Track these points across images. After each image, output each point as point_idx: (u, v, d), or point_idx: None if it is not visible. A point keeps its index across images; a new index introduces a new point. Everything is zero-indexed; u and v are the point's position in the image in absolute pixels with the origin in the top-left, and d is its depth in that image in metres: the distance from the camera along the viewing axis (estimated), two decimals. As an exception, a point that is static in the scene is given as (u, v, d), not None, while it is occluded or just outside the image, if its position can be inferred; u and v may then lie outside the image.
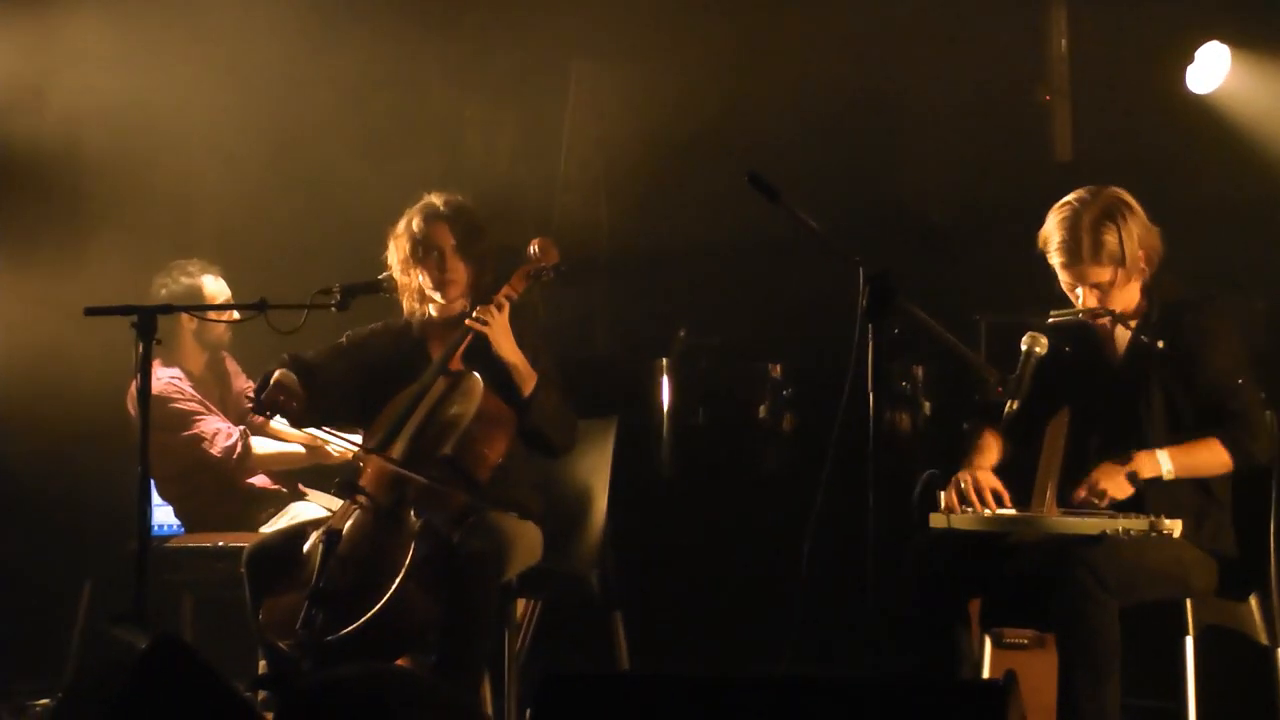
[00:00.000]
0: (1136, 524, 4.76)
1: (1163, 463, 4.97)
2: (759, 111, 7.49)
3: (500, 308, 5.61)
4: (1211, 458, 5.01)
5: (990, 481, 5.10)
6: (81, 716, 4.51)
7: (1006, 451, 5.30)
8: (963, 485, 5.08)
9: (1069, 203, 5.12)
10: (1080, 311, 5.12)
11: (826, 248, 4.67)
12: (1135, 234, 5.07)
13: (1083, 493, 4.95)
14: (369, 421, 5.73)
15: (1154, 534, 4.75)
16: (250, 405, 5.72)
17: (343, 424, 5.98)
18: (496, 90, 7.90)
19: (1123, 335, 5.18)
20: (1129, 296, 5.14)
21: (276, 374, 5.61)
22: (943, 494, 5.11)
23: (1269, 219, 6.92)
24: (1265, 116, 7.07)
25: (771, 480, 7.23)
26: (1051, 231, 5.11)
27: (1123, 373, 5.18)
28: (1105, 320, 5.14)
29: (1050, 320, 5.14)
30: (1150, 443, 5.05)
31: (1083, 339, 5.21)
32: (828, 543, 4.79)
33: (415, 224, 5.72)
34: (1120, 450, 5.06)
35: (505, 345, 5.59)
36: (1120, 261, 5.04)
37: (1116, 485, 4.94)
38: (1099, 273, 5.06)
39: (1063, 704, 4.77)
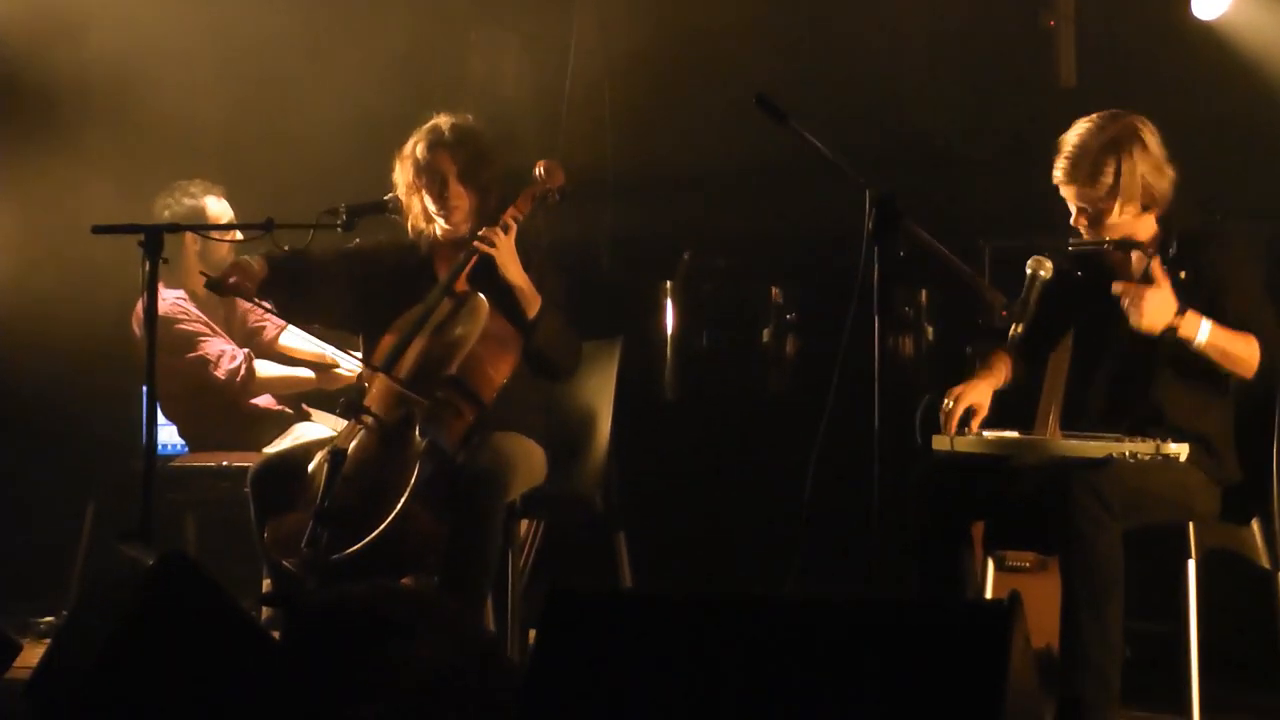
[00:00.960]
0: (1143, 447, 4.75)
1: (1202, 328, 4.88)
2: (764, 34, 7.45)
3: (506, 230, 5.60)
4: (1244, 350, 4.94)
5: (971, 399, 5.10)
6: (88, 632, 4.54)
7: (1015, 373, 5.30)
8: (944, 406, 5.09)
9: (1085, 123, 5.10)
10: (1104, 242, 5.09)
11: (833, 170, 4.66)
12: (1139, 170, 5.02)
13: (1121, 288, 4.90)
14: (373, 339, 5.74)
15: (1159, 458, 4.75)
16: (206, 279, 5.69)
17: (339, 328, 5.99)
18: (501, 13, 7.87)
19: (1139, 264, 5.15)
20: (1134, 228, 5.11)
21: (241, 258, 5.64)
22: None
23: (1274, 145, 6.90)
24: (1270, 42, 7.03)
25: (774, 403, 7.23)
26: (1064, 145, 5.09)
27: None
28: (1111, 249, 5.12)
29: (1071, 247, 5.11)
30: (1158, 373, 5.05)
31: (1095, 265, 5.19)
32: (831, 465, 4.80)
33: (419, 150, 5.70)
34: (1126, 379, 5.07)
35: (511, 267, 5.59)
36: (1114, 194, 5.03)
37: (1153, 310, 4.86)
38: (1086, 195, 5.04)
39: (1065, 626, 4.78)
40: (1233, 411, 5.13)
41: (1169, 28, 7.23)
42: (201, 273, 5.84)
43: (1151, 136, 5.08)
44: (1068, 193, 5.08)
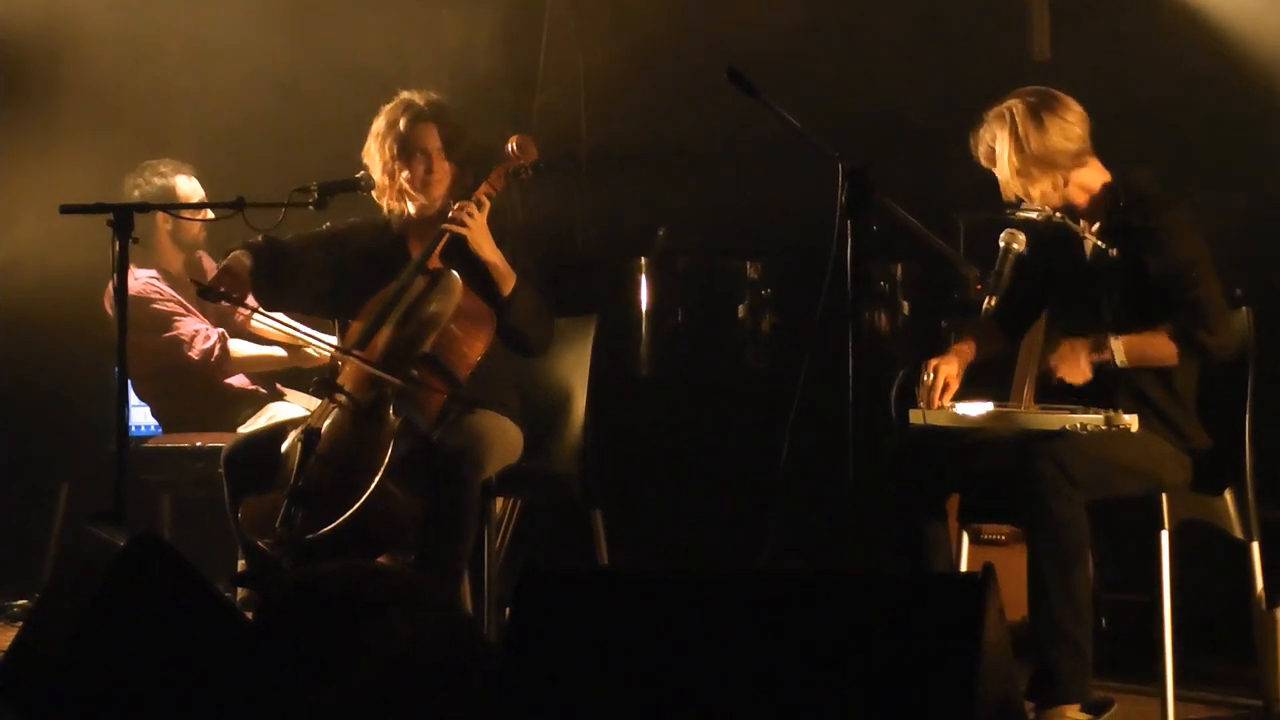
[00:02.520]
0: (1093, 418, 4.78)
1: (1117, 354, 4.94)
2: (738, 8, 7.44)
3: (480, 206, 5.58)
4: (1158, 348, 4.97)
5: (945, 373, 5.10)
6: (60, 614, 4.51)
7: (994, 345, 5.30)
8: (922, 379, 5.09)
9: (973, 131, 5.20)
10: (1041, 210, 5.10)
11: (806, 144, 4.65)
12: (1032, 138, 5.06)
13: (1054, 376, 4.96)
14: (347, 318, 5.72)
15: (1111, 428, 4.77)
16: (199, 288, 5.67)
17: (315, 313, 5.98)
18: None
19: (1085, 231, 5.17)
20: (1069, 193, 5.12)
21: (229, 258, 5.59)
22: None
23: (1248, 117, 6.91)
24: (1244, 13, 7.03)
25: (751, 379, 7.22)
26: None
27: (1086, 274, 5.17)
28: (1080, 221, 5.13)
29: (1020, 215, 5.13)
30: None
31: (1058, 239, 5.19)
32: (807, 440, 4.79)
33: (401, 124, 5.66)
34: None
35: (485, 244, 5.57)
36: (1015, 171, 5.07)
37: (1071, 370, 4.94)
38: (1005, 181, 5.10)
39: (1034, 596, 4.81)
40: (1196, 379, 5.12)
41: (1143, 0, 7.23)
42: (194, 281, 5.81)
43: (1026, 108, 5.11)
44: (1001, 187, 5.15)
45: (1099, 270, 5.11)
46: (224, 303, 5.74)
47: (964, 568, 5.36)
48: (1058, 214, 5.10)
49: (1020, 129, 5.07)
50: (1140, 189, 5.13)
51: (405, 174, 5.67)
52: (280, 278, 5.69)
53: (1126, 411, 4.82)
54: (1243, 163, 6.82)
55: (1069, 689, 4.76)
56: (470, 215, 5.53)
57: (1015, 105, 5.11)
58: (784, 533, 4.93)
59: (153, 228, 6.53)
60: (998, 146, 5.09)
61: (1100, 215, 5.13)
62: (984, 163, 5.17)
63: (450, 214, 5.57)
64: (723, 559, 6.14)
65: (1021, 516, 4.90)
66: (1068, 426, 4.80)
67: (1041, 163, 5.06)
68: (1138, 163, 5.18)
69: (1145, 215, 5.06)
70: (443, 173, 5.69)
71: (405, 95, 5.74)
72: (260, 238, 5.65)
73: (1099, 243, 5.07)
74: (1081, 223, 5.14)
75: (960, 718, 3.29)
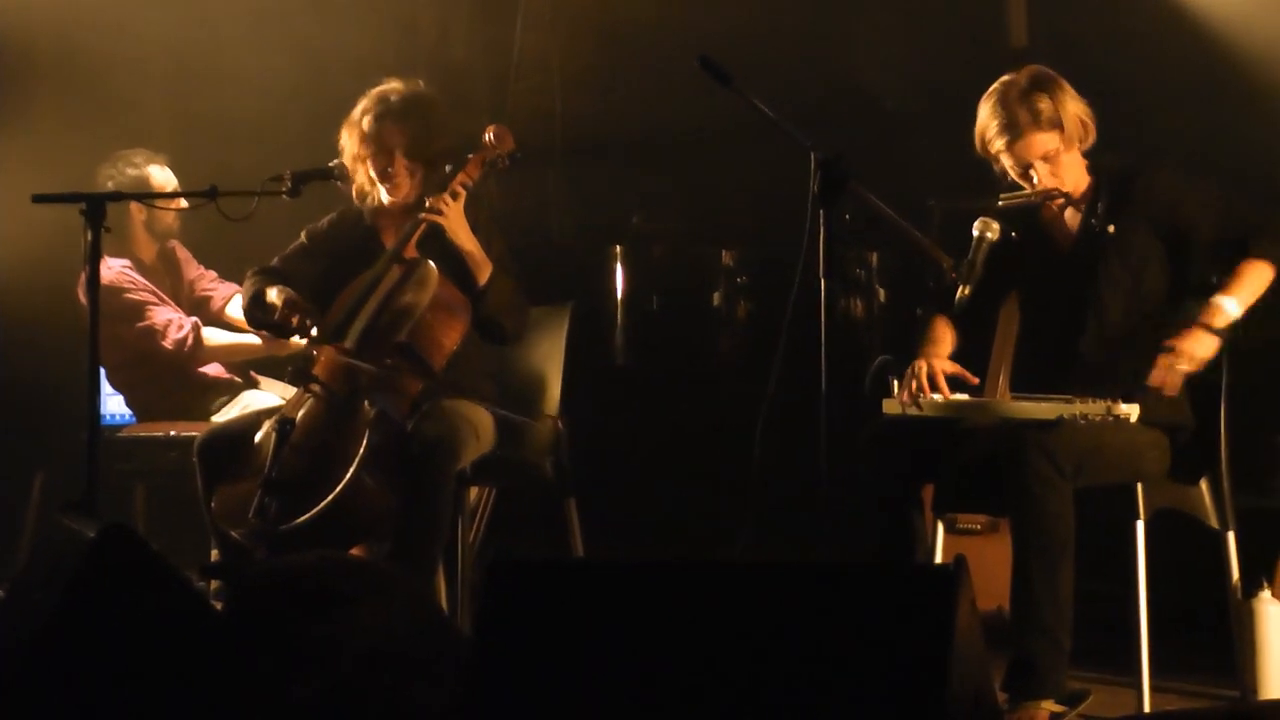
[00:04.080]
0: (1093, 408, 4.74)
1: (1229, 307, 4.92)
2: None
3: (455, 196, 5.55)
4: (1260, 276, 4.98)
5: (947, 368, 5.09)
6: (31, 606, 4.49)
7: (959, 340, 5.29)
8: (921, 372, 5.06)
9: (994, 88, 5.12)
10: (1031, 194, 5.10)
11: (779, 132, 4.65)
12: (1068, 102, 5.05)
13: (1164, 368, 4.88)
14: (323, 308, 5.69)
15: (1110, 418, 4.75)
16: (264, 332, 5.66)
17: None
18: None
19: (1073, 217, 5.16)
20: (1077, 175, 5.12)
21: (275, 293, 5.56)
22: (897, 384, 5.10)
23: (1224, 103, 6.91)
24: (1221, 2, 7.03)
25: (726, 367, 7.22)
26: (986, 119, 5.09)
27: (1074, 257, 5.15)
28: (1059, 201, 5.12)
29: (1000, 204, 5.12)
30: (1102, 331, 5.05)
31: (1030, 224, 5.18)
32: (782, 429, 4.78)
33: (366, 121, 5.62)
34: (1075, 336, 5.07)
35: (461, 233, 5.54)
36: (1059, 126, 5.02)
37: (1205, 346, 4.89)
38: (1044, 140, 5.02)
39: (1017, 588, 4.80)
40: None
41: (1120, -14, 7.23)
42: (250, 325, 5.78)
43: (1056, 74, 5.11)
44: (1020, 151, 5.05)
45: (1090, 248, 5.10)
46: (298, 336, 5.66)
47: (939, 558, 5.33)
48: (1050, 198, 5.08)
49: (1068, 92, 5.06)
50: (1123, 166, 5.15)
51: (371, 168, 5.65)
52: None
53: (1116, 398, 4.80)
54: (1220, 153, 6.82)
55: (1045, 682, 4.75)
56: (446, 205, 5.50)
57: (1047, 70, 5.09)
58: (758, 522, 4.92)
59: (126, 217, 6.50)
60: (1042, 105, 5.01)
61: (1086, 196, 5.12)
62: (998, 134, 5.07)
63: (427, 204, 5.54)
64: (698, 547, 6.13)
65: (1008, 507, 4.87)
66: (1065, 416, 4.77)
67: (1081, 128, 5.06)
68: (1107, 152, 5.17)
69: (1140, 185, 5.08)
70: (402, 174, 5.64)
71: (385, 87, 5.69)
72: (255, 270, 5.68)
73: (1094, 222, 5.05)
74: (1068, 210, 5.13)
75: (932, 709, 3.28)
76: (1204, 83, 6.99)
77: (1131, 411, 4.77)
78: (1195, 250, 5.07)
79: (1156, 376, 4.89)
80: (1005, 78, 5.11)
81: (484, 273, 5.54)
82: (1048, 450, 4.76)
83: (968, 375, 5.10)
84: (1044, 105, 5.02)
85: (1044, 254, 5.20)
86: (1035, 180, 5.07)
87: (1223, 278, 5.01)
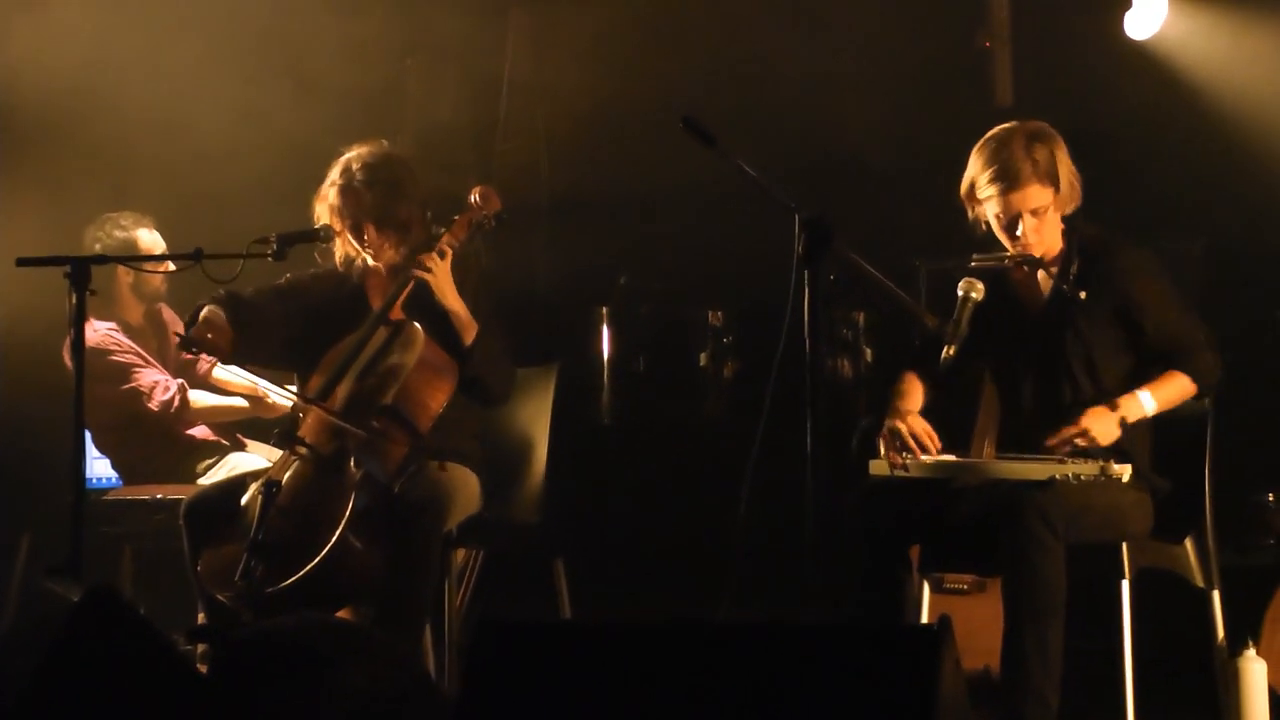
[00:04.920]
0: (1087, 468, 4.76)
1: (1145, 403, 4.95)
2: (698, 58, 7.47)
3: (443, 255, 5.55)
4: (1181, 388, 5.01)
5: (921, 426, 5.08)
6: (16, 669, 4.48)
7: (929, 395, 5.27)
8: (904, 434, 5.05)
9: (992, 134, 5.11)
10: (1005, 256, 5.09)
11: (762, 193, 4.65)
12: (1065, 160, 5.06)
13: (1066, 436, 4.90)
14: (308, 370, 5.68)
15: (1103, 478, 4.76)
16: (177, 341, 5.65)
17: (275, 366, 5.95)
18: (438, 38, 7.82)
19: (1044, 280, 5.15)
20: (1054, 238, 5.11)
21: (205, 310, 5.56)
22: (881, 443, 5.10)
23: (1205, 161, 6.94)
24: (1202, 61, 7.08)
25: (712, 427, 7.22)
26: (980, 166, 5.08)
27: (1045, 321, 5.15)
28: (1024, 268, 5.11)
29: (973, 263, 5.11)
30: (1081, 387, 5.06)
31: (1000, 287, 5.17)
32: (769, 489, 4.79)
33: (333, 196, 5.63)
34: (1053, 397, 5.07)
35: (448, 293, 5.54)
36: (1055, 182, 5.01)
37: (1105, 430, 4.92)
38: (1039, 194, 5.01)
39: (1007, 649, 4.79)
40: (1150, 429, 5.12)
41: (1103, 47, 7.29)
42: (175, 333, 5.77)
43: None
44: (1012, 201, 5.02)
45: (1059, 317, 5.10)
46: (203, 354, 5.67)
47: (925, 617, 5.33)
48: (1024, 262, 5.07)
49: (1065, 151, 5.07)
50: (1099, 237, 5.14)
51: (349, 237, 5.66)
52: (246, 331, 5.65)
53: (1109, 459, 4.81)
54: (1200, 208, 6.85)
55: (1032, 743, 4.74)
56: (434, 263, 5.50)
57: (1047, 126, 5.09)
58: (743, 582, 4.91)
59: (113, 280, 6.51)
60: (1041, 157, 5.00)
61: (1058, 261, 5.12)
62: (990, 181, 5.04)
63: (416, 259, 5.53)
64: (684, 607, 6.10)
65: (1001, 569, 4.86)
66: (1058, 476, 4.78)
67: (1070, 190, 5.07)
68: (1087, 219, 5.17)
69: (1111, 263, 5.07)
70: (375, 243, 5.65)
71: (350, 154, 5.70)
72: (221, 292, 5.63)
73: (1065, 288, 5.05)
74: (1039, 273, 5.13)
75: (917, 769, 3.28)
76: (1188, 140, 7.04)
77: (1124, 471, 4.79)
78: (1142, 336, 5.08)
79: (1053, 440, 4.91)
80: (1005, 125, 5.11)
81: (470, 333, 5.54)
82: (1043, 512, 4.76)
83: (934, 438, 5.08)
84: (1043, 157, 5.01)
85: (1014, 315, 5.19)
86: (1020, 233, 5.04)
87: (1108, 362, 5.06)
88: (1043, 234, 5.07)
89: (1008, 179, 5.01)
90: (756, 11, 7.52)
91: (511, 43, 7.75)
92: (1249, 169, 6.90)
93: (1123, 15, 7.20)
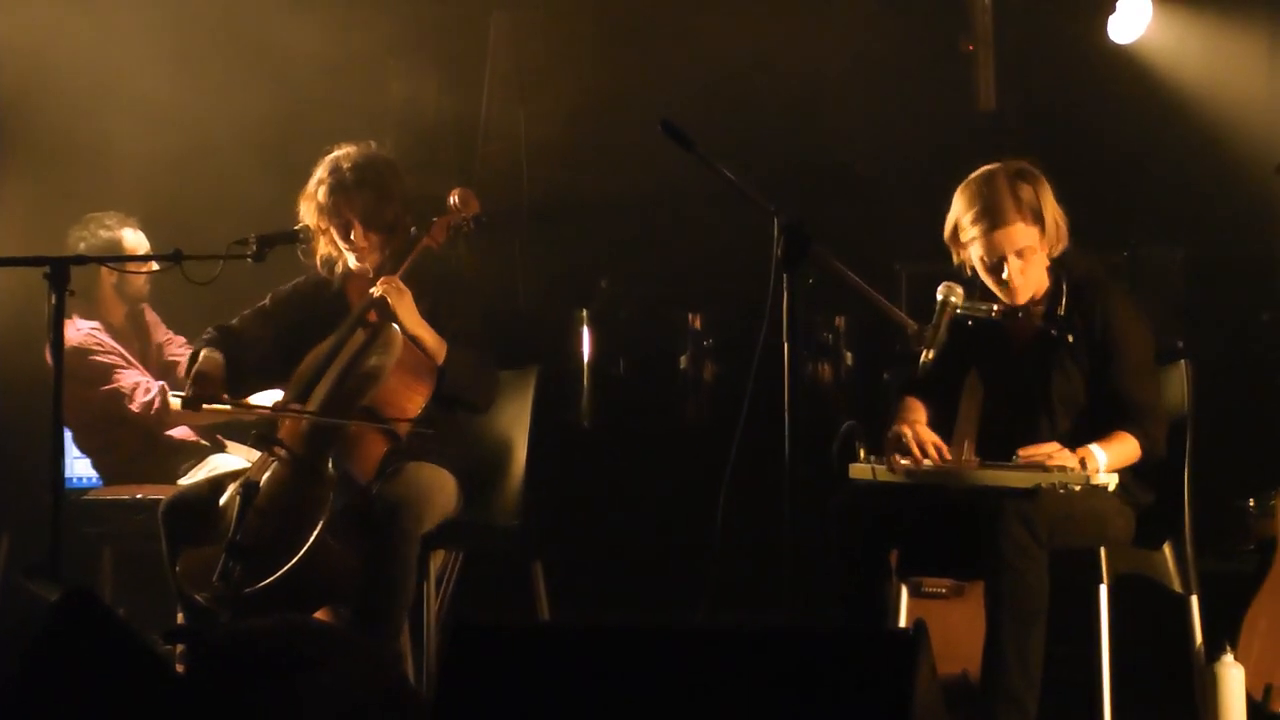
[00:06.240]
0: (1073, 477, 4.73)
1: (1100, 460, 4.89)
2: (680, 61, 7.45)
3: (401, 292, 5.49)
4: (1129, 451, 4.98)
5: (931, 435, 5.06)
6: (-6, 671, 4.47)
7: (930, 413, 5.26)
8: (904, 438, 5.04)
9: (976, 175, 5.06)
10: (991, 308, 5.04)
11: (741, 197, 4.64)
12: (1050, 201, 5.01)
13: (1031, 454, 4.88)
14: (288, 374, 5.68)
15: (1089, 488, 4.76)
16: (183, 400, 5.63)
17: (273, 385, 5.93)
18: (419, 40, 7.82)
19: (1029, 326, 5.12)
20: (1040, 279, 5.08)
21: (199, 364, 5.57)
22: (863, 450, 5.07)
23: (1188, 168, 6.94)
24: (1185, 66, 7.09)
25: (693, 431, 7.21)
26: (965, 204, 5.04)
27: (1028, 357, 5.13)
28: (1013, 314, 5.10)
29: (960, 313, 5.02)
30: (1057, 424, 5.05)
31: (986, 322, 5.13)
32: (748, 493, 4.76)
33: (321, 194, 5.62)
34: (1030, 426, 5.05)
35: (409, 321, 5.48)
36: (1041, 221, 4.97)
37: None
38: (1025, 234, 4.96)
39: (988, 655, 4.79)
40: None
41: (1086, 51, 7.29)
42: (174, 394, 5.74)
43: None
44: (996, 241, 4.98)
45: (1045, 352, 5.09)
46: (205, 405, 5.66)
47: (903, 622, 5.32)
48: (996, 311, 5.04)
49: (1049, 191, 5.02)
50: (1085, 274, 5.12)
51: (335, 236, 5.65)
52: (241, 365, 5.66)
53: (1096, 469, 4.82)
54: (1182, 214, 6.85)
55: (1009, 750, 4.73)
56: (398, 289, 5.47)
57: (1031, 166, 5.05)
58: (722, 586, 4.89)
59: (96, 280, 6.47)
60: (1026, 196, 4.97)
61: (1045, 300, 5.10)
62: (975, 221, 5.01)
63: (378, 288, 5.51)
64: (663, 610, 6.10)
65: (984, 574, 4.85)
66: (1044, 485, 4.75)
67: (1056, 231, 5.03)
68: (1078, 250, 5.14)
69: (1094, 304, 5.05)
70: (363, 241, 5.63)
71: (337, 153, 5.68)
72: (210, 330, 5.66)
73: (1054, 332, 5.04)
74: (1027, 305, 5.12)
75: (891, 775, 3.27)
76: (1172, 144, 7.03)
77: (1110, 481, 4.80)
78: (1103, 375, 5.07)
79: (1026, 454, 4.88)
80: (988, 167, 5.06)
81: (439, 355, 5.52)
82: (1027, 520, 4.76)
83: (943, 447, 5.07)
84: (1028, 196, 4.97)
85: (998, 349, 5.18)
86: (1005, 275, 5.01)
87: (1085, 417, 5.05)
88: (1029, 275, 5.03)
89: (992, 217, 4.97)
90: (740, 15, 7.51)
91: (493, 45, 7.73)
92: (1232, 174, 6.90)
93: (1106, 19, 7.20)
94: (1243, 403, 6.31)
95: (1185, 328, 5.50)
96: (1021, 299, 5.07)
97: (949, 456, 5.03)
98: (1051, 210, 5.01)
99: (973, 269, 5.12)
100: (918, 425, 5.10)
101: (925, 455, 5.01)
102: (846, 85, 7.57)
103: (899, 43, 7.46)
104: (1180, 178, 6.93)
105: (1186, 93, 7.06)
